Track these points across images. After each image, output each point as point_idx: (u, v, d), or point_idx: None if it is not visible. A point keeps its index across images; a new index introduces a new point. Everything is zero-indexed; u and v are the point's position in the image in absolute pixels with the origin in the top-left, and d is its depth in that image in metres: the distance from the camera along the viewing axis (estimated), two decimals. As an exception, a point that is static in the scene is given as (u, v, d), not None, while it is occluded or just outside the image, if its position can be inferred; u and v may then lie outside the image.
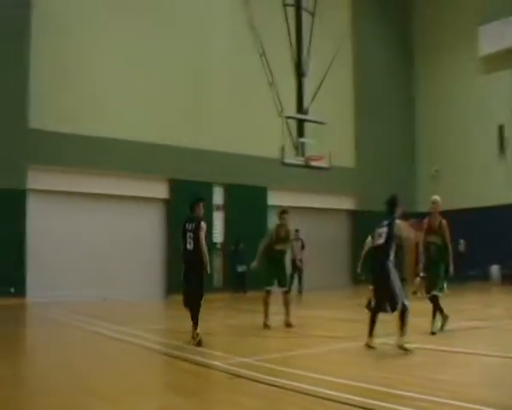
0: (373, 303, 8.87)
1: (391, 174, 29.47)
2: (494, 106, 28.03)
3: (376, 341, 8.79)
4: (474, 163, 28.63)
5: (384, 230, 8.99)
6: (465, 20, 29.21)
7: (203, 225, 9.62)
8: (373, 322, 8.85)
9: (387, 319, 8.86)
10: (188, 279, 9.64)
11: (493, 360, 8.00)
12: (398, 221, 9.08)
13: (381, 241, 8.97)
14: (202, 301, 9.58)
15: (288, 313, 12.15)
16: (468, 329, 9.64)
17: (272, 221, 24.26)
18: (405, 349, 8.35)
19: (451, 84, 30.12)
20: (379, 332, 8.84)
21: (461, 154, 29.19)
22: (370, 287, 8.91)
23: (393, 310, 8.60)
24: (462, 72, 29.71)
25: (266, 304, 12.02)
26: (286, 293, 12.29)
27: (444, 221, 10.62)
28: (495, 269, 26.39)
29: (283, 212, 12.54)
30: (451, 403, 5.61)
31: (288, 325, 12.02)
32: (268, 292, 12.11)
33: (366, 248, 9.39)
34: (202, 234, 9.55)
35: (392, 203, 9.33)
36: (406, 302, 8.55)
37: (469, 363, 8.03)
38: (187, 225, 9.70)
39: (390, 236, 8.93)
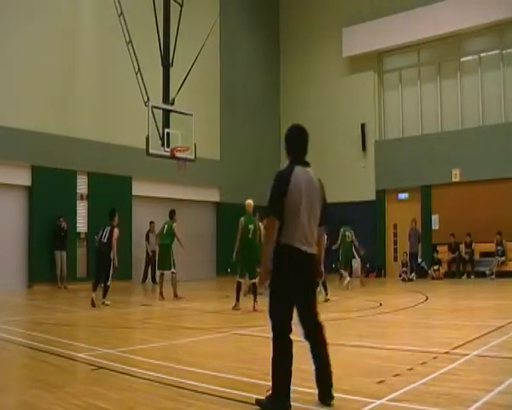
0: None
1: (256, 167, 30.01)
2: (357, 105, 29.18)
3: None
4: (338, 159, 29.53)
5: None
6: (331, 20, 30.20)
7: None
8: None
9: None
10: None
11: (352, 350, 8.39)
12: None
13: None
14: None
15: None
16: (330, 320, 10.07)
17: (136, 211, 24.23)
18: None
19: (317, 80, 30.91)
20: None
21: (325, 149, 29.95)
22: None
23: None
24: (327, 69, 30.64)
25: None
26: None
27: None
28: (356, 262, 27.47)
29: None
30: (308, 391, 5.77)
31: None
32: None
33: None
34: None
35: None
36: None
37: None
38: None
39: None
